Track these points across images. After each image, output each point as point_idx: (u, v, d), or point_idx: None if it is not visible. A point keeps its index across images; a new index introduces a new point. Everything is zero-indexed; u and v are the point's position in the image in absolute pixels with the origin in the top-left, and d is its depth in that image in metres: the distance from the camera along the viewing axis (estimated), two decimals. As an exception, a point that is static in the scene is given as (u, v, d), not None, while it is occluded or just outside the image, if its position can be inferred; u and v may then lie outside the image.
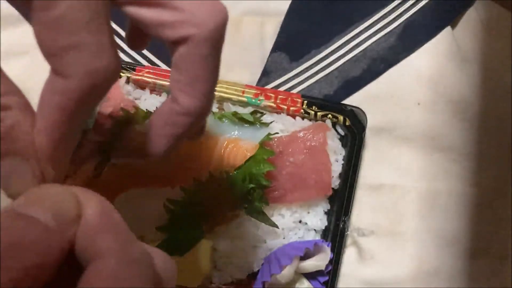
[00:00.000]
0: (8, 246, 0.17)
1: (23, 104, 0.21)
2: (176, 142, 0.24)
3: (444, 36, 0.47)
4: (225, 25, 0.22)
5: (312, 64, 0.47)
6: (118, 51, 0.21)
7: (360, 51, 0.47)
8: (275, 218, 0.41)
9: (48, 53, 0.20)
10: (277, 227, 0.40)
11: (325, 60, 0.47)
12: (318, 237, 0.43)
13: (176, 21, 0.21)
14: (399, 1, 0.48)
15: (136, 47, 0.29)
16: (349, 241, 0.44)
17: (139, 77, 0.43)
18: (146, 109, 0.41)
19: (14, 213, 0.18)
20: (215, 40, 0.22)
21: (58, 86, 0.20)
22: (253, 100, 0.43)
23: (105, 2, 0.20)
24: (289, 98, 0.43)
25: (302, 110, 0.43)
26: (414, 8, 0.48)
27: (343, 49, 0.47)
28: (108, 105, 0.40)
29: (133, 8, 0.22)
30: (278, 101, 0.43)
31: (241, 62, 0.46)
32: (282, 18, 0.47)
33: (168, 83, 0.43)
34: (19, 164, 0.21)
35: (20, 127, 0.20)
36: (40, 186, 0.21)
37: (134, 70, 0.43)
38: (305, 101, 0.43)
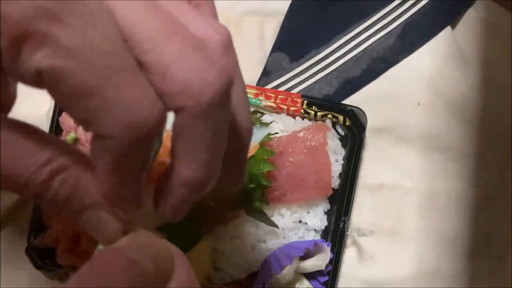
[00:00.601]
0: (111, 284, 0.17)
1: (76, 157, 0.20)
2: (180, 209, 0.23)
3: (444, 36, 0.47)
4: (227, 90, 0.20)
5: (312, 64, 0.47)
6: None
7: (360, 51, 0.47)
8: (275, 218, 0.41)
9: (80, 122, 0.19)
10: (277, 227, 0.40)
11: (325, 60, 0.47)
12: (318, 237, 0.43)
13: (169, 91, 0.19)
14: (399, 1, 0.48)
15: None
16: (349, 241, 0.44)
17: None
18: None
19: (119, 254, 0.19)
20: (213, 112, 0.20)
21: (103, 146, 0.19)
22: (253, 100, 0.43)
23: (121, 49, 0.18)
24: (289, 98, 0.43)
25: (302, 110, 0.43)
26: (414, 8, 0.47)
27: (343, 49, 0.47)
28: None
29: None
30: (278, 101, 0.43)
31: (241, 62, 0.46)
32: (282, 18, 0.47)
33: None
34: (96, 214, 0.21)
35: (82, 181, 0.20)
36: (136, 233, 0.21)
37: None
38: (305, 101, 0.43)
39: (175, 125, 0.20)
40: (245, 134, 0.24)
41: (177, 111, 0.20)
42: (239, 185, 0.26)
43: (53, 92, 0.18)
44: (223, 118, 0.21)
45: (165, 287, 0.19)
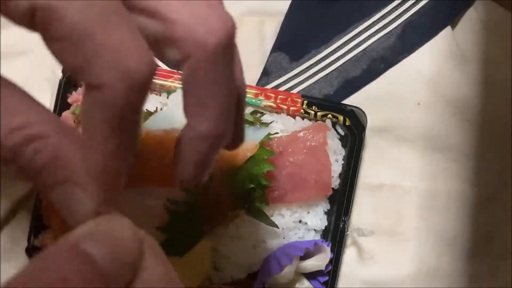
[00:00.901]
0: (58, 283, 0.16)
1: (61, 129, 0.19)
2: (202, 168, 0.22)
3: (444, 36, 0.47)
4: (232, 38, 0.20)
5: (312, 64, 0.47)
6: None
7: (360, 51, 0.47)
8: (275, 218, 0.41)
9: (72, 70, 0.18)
10: (277, 227, 0.40)
11: (325, 60, 0.47)
12: (318, 237, 0.43)
13: (173, 37, 0.19)
14: (399, 1, 0.48)
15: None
16: (349, 241, 0.44)
17: (139, 77, 0.43)
18: (146, 109, 0.41)
19: (71, 246, 0.17)
20: (220, 58, 0.20)
21: (96, 100, 0.18)
22: (253, 100, 0.43)
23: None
24: (289, 98, 0.43)
25: (302, 110, 0.43)
26: (414, 8, 0.47)
27: (343, 49, 0.47)
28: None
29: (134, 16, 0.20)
30: (278, 101, 0.43)
31: (241, 62, 0.46)
32: (282, 18, 0.47)
33: (168, 83, 0.43)
34: (72, 191, 0.19)
35: (64, 154, 0.19)
36: (103, 217, 0.20)
37: (134, 70, 0.43)
38: (305, 101, 0.43)
39: (182, 79, 0.20)
40: (242, 90, 0.24)
41: (182, 61, 0.20)
42: (240, 145, 0.26)
43: (45, 35, 0.18)
44: (229, 67, 0.21)
45: (129, 281, 0.18)
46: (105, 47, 0.17)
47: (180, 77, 0.21)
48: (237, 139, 0.26)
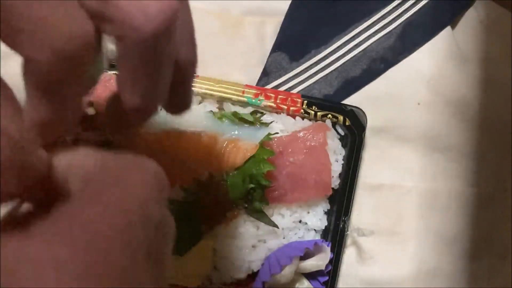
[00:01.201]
0: None
1: None
2: (128, 129, 0.24)
3: (444, 36, 0.47)
4: (171, 24, 0.20)
5: (312, 64, 0.47)
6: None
7: (360, 51, 0.47)
8: (275, 218, 0.41)
9: (5, 41, 0.18)
10: (277, 227, 0.40)
11: (325, 60, 0.47)
12: (318, 237, 0.43)
13: (112, 18, 0.19)
14: (399, 1, 0.48)
15: None
16: (349, 241, 0.44)
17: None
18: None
19: None
20: (154, 44, 0.20)
21: (25, 68, 0.19)
22: (253, 100, 0.43)
23: None
24: (289, 98, 0.43)
25: (302, 110, 0.43)
26: (414, 8, 0.48)
27: (343, 49, 0.47)
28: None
29: None
30: (278, 101, 0.43)
31: (241, 62, 0.46)
32: (282, 18, 0.47)
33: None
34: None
35: None
36: None
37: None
38: (305, 101, 0.43)
39: (118, 54, 0.20)
40: (188, 66, 0.24)
41: (118, 39, 0.20)
42: (185, 111, 0.27)
43: None
44: (166, 50, 0.21)
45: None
46: (31, 20, 0.17)
47: (116, 48, 0.21)
48: (181, 106, 0.27)
